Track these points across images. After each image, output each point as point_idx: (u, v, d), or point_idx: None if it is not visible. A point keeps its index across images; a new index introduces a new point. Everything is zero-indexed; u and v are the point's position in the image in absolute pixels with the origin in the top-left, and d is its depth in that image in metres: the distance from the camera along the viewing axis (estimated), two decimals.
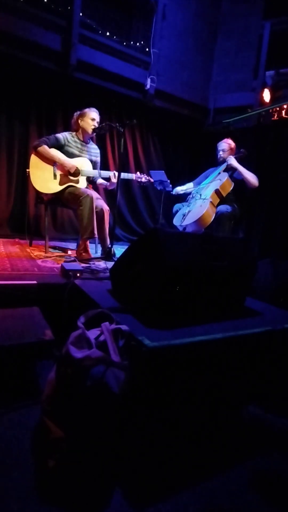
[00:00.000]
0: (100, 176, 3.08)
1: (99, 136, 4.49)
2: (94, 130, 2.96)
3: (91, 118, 2.98)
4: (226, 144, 3.54)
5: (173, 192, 3.58)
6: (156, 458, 1.14)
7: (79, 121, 3.02)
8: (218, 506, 1.00)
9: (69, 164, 2.87)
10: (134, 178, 3.17)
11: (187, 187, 3.64)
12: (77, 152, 3.00)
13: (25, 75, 3.88)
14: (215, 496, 1.03)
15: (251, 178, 3.27)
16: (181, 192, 3.57)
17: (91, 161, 3.06)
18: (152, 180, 3.37)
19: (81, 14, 3.93)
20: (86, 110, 3.01)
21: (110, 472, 1.06)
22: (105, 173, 3.07)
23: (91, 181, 3.17)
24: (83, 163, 2.98)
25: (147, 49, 4.58)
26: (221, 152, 3.53)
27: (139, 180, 3.19)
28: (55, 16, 3.81)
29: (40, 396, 1.12)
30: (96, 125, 2.98)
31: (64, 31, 3.84)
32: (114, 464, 1.07)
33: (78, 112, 3.05)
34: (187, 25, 4.82)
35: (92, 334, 1.12)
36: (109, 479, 1.04)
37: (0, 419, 1.23)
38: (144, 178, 3.21)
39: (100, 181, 3.15)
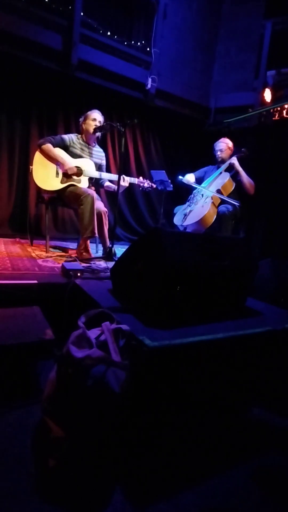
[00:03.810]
0: (104, 179, 3.09)
1: (100, 136, 4.49)
2: (95, 129, 2.97)
3: (92, 118, 3.00)
4: (224, 144, 3.53)
5: (184, 181, 3.55)
6: (157, 458, 1.14)
7: (83, 124, 3.06)
8: (219, 505, 1.00)
9: (68, 165, 2.86)
10: (136, 183, 3.17)
11: (191, 178, 3.63)
12: (81, 153, 3.03)
13: (26, 74, 3.88)
14: (216, 496, 1.02)
15: (248, 185, 3.29)
16: (189, 183, 3.54)
17: (95, 163, 3.07)
18: (154, 186, 3.36)
19: (82, 13, 3.93)
20: (88, 112, 3.06)
21: (111, 472, 1.05)
22: (109, 176, 3.08)
23: (97, 184, 3.17)
24: (86, 164, 2.99)
25: (148, 49, 4.57)
26: (219, 153, 3.51)
27: (141, 184, 3.20)
28: (56, 15, 3.80)
29: (40, 395, 1.12)
30: (98, 125, 3.00)
31: (65, 30, 3.84)
32: (114, 464, 1.07)
33: (82, 116, 3.09)
34: (188, 25, 4.82)
35: (93, 333, 1.12)
36: (109, 478, 1.04)
37: (0, 418, 1.23)
38: (146, 184, 3.21)
39: (107, 183, 3.15)
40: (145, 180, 3.22)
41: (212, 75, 5.16)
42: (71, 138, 3.02)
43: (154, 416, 1.14)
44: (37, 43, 3.69)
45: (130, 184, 3.15)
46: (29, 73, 3.88)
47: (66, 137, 3.00)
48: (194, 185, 3.50)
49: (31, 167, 2.95)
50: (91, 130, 2.99)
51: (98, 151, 3.18)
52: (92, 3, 4.18)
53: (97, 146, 3.20)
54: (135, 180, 3.16)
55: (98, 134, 3.07)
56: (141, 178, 3.24)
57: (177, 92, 4.87)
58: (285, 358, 1.50)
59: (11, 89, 3.86)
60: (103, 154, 3.24)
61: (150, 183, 3.24)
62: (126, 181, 2.99)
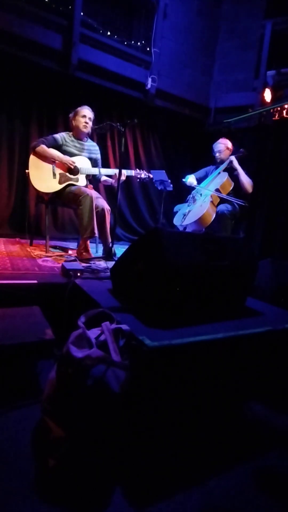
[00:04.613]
0: (101, 174, 3.09)
1: (100, 136, 4.49)
2: (95, 129, 2.98)
3: (82, 115, 2.99)
4: (222, 144, 3.54)
5: (187, 183, 3.57)
6: (157, 458, 1.14)
7: (73, 120, 3.05)
8: (219, 505, 1.00)
9: (68, 160, 2.87)
10: (133, 175, 3.17)
11: (193, 180, 3.64)
12: (75, 151, 3.01)
13: (26, 74, 3.88)
14: (215, 495, 1.02)
15: (247, 183, 3.29)
16: (191, 185, 3.56)
17: (90, 158, 3.07)
18: (151, 176, 3.37)
19: (82, 13, 3.93)
20: (78, 108, 3.05)
21: (110, 472, 1.05)
22: (106, 171, 3.08)
23: (94, 179, 3.17)
24: (81, 162, 2.99)
25: (148, 49, 4.57)
26: (217, 154, 3.53)
27: (138, 176, 3.20)
28: (56, 15, 3.80)
29: (40, 395, 1.12)
30: (88, 121, 3.00)
31: (65, 30, 3.84)
32: (114, 463, 1.07)
33: (72, 112, 3.07)
34: (188, 25, 4.81)
35: (93, 333, 1.12)
36: (109, 478, 1.04)
37: (0, 418, 1.23)
38: (143, 174, 3.21)
39: (104, 178, 3.15)
40: (141, 171, 3.22)
41: (212, 75, 5.16)
42: (63, 136, 3.01)
43: (154, 416, 1.14)
44: (37, 43, 3.68)
45: (130, 182, 3.15)
46: (29, 73, 3.88)
47: (58, 136, 3.00)
48: (197, 186, 3.52)
49: (27, 171, 2.94)
50: (82, 128, 2.99)
51: (91, 146, 3.17)
52: (92, 3, 4.18)
53: (89, 140, 3.20)
54: (132, 172, 3.15)
55: (89, 130, 3.07)
56: (137, 169, 3.23)
57: (177, 92, 4.87)
58: (285, 358, 1.50)
59: (11, 89, 3.86)
60: (97, 148, 3.23)
61: (146, 174, 3.25)
62: (123, 174, 2.99)
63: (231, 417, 1.39)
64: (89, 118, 3.01)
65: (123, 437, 1.08)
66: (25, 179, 3.86)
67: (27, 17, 3.60)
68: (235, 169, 3.30)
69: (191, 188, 3.55)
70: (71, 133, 3.09)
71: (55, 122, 4.22)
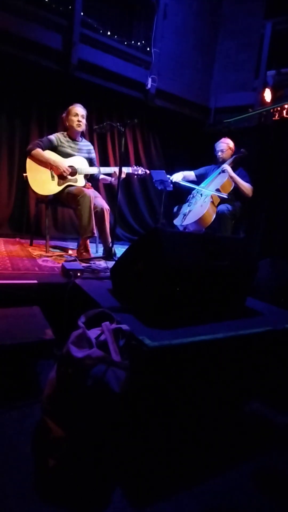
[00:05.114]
0: (100, 172, 3.08)
1: (100, 136, 4.50)
2: (95, 129, 2.97)
3: (75, 113, 2.97)
4: (225, 144, 3.53)
5: (173, 180, 3.55)
6: (157, 458, 1.14)
7: (66, 120, 3.03)
8: (219, 505, 1.00)
9: (62, 166, 2.85)
10: (131, 171, 3.16)
11: (187, 174, 3.62)
12: (71, 151, 3.00)
13: (26, 74, 3.88)
14: (215, 495, 1.02)
15: (245, 188, 3.27)
16: (181, 182, 3.54)
17: (87, 158, 3.06)
18: (148, 171, 3.37)
19: (82, 13, 3.93)
20: (70, 107, 3.02)
21: (110, 472, 1.05)
22: (105, 169, 3.07)
23: (92, 178, 3.17)
24: (78, 162, 2.98)
25: (148, 49, 4.57)
26: (220, 153, 3.52)
27: (136, 173, 3.19)
28: (56, 15, 3.80)
29: (40, 395, 1.12)
30: (81, 119, 2.98)
31: (65, 30, 3.83)
32: (114, 463, 1.07)
33: (64, 112, 3.06)
34: (188, 25, 4.81)
35: (93, 333, 1.12)
36: (109, 478, 1.04)
37: (0, 418, 1.23)
38: (140, 171, 3.21)
39: (102, 176, 3.15)
40: (138, 168, 3.21)
41: (212, 75, 5.15)
42: (58, 137, 2.99)
43: (154, 415, 1.14)
44: (37, 43, 3.68)
45: (129, 182, 3.15)
46: (29, 73, 3.87)
47: (53, 137, 2.97)
48: (182, 183, 3.51)
49: (25, 174, 2.92)
50: (76, 127, 2.97)
51: (85, 145, 3.16)
52: (92, 3, 4.18)
53: (83, 140, 3.18)
54: (129, 169, 3.15)
55: (83, 128, 3.06)
56: (135, 166, 3.23)
57: (177, 92, 4.87)
58: (285, 358, 1.50)
59: (11, 89, 3.85)
60: (91, 147, 3.22)
61: (144, 170, 3.24)
62: (123, 172, 2.98)
63: (231, 416, 1.39)
64: (82, 116, 2.98)
65: (123, 437, 1.08)
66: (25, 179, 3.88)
67: (27, 17, 3.59)
68: (230, 177, 3.28)
69: (190, 188, 3.54)
70: (66, 133, 3.06)
71: (55, 122, 4.20)
